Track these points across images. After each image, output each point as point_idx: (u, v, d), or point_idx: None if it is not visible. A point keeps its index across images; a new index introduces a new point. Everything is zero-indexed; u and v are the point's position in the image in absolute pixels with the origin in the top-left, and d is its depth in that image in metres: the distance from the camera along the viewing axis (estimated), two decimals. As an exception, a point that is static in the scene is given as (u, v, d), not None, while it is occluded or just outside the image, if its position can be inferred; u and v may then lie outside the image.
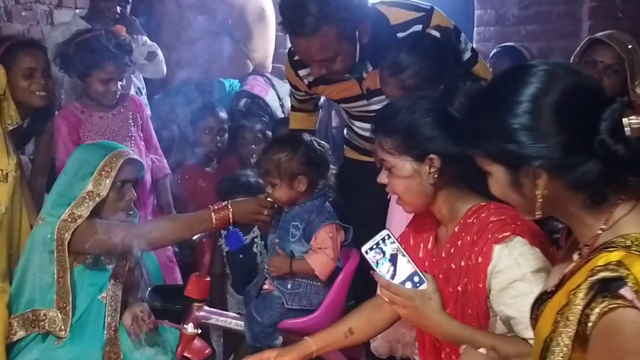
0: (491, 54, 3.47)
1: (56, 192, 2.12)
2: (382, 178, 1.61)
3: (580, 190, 1.10)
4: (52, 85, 2.63)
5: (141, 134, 2.90)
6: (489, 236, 1.46)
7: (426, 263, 1.64)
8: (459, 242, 1.53)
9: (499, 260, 1.44)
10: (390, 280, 1.39)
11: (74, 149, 2.61)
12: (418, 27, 2.19)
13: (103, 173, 2.06)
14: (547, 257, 1.45)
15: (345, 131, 2.68)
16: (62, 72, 2.74)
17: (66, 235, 2.00)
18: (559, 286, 1.13)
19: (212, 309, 2.40)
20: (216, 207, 2.11)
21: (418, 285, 1.39)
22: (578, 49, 2.53)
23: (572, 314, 1.02)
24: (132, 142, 2.81)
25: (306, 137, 2.36)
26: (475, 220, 1.52)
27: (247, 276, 2.69)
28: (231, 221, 2.12)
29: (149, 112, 3.11)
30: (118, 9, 3.20)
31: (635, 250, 1.01)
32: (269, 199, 2.21)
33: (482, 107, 1.19)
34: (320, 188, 2.33)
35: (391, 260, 1.41)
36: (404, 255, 1.41)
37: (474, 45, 4.19)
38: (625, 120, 1.05)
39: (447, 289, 1.51)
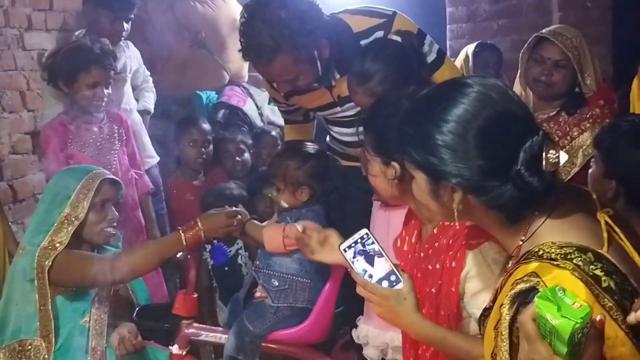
0: (471, 53, 3.50)
1: (35, 221, 2.09)
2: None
3: (495, 210, 1.15)
4: None
5: (125, 149, 2.93)
6: (463, 242, 1.48)
7: (409, 256, 1.67)
8: (436, 244, 1.55)
9: (473, 266, 1.47)
10: (367, 279, 1.39)
11: (62, 159, 2.70)
12: (380, 34, 2.21)
13: (80, 196, 2.05)
14: None
15: (327, 138, 2.69)
16: (50, 84, 2.77)
17: (46, 262, 1.97)
18: (494, 302, 1.16)
19: (201, 325, 2.40)
20: (185, 227, 2.10)
21: (395, 284, 1.38)
22: (526, 45, 2.57)
23: (504, 328, 1.05)
24: (116, 155, 2.85)
25: (318, 149, 2.39)
26: (452, 224, 1.52)
27: (234, 288, 2.69)
28: (203, 238, 2.11)
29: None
30: (125, 26, 3.15)
31: (547, 259, 1.05)
32: (235, 209, 2.23)
33: (413, 115, 1.21)
34: (318, 197, 2.36)
35: (369, 258, 1.40)
36: (381, 254, 1.40)
37: (448, 43, 4.26)
38: (543, 154, 1.09)
39: (425, 289, 1.53)
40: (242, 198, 2.91)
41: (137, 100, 3.41)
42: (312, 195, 2.30)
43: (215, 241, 2.70)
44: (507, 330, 1.04)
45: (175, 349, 2.09)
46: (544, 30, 2.53)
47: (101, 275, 1.97)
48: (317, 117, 2.76)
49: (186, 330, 2.31)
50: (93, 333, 2.00)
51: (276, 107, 4.09)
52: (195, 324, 2.36)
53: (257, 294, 2.37)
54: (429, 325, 1.40)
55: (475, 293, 1.46)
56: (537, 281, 1.02)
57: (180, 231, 2.08)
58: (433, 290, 1.52)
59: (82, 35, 3.13)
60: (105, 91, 2.75)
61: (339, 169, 2.41)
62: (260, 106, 3.93)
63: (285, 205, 2.31)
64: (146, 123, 3.40)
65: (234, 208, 2.22)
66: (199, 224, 2.09)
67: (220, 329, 2.51)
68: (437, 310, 1.51)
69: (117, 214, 2.15)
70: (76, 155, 2.74)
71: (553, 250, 1.05)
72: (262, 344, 2.35)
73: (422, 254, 1.60)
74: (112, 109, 3.07)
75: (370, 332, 2.12)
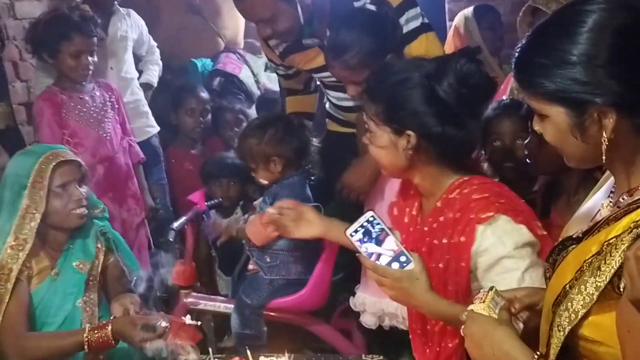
0: (472, 15, 3.44)
1: (3, 213, 1.94)
2: (364, 140, 1.60)
3: None
4: None
5: (117, 118, 2.90)
6: (472, 215, 1.44)
7: (410, 228, 1.63)
8: (442, 218, 1.51)
9: (483, 240, 1.43)
10: (377, 262, 1.36)
11: (57, 130, 2.66)
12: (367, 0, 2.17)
13: (36, 185, 1.91)
14: (533, 232, 1.45)
15: (327, 104, 2.66)
16: (35, 57, 2.76)
17: (14, 266, 1.85)
18: (587, 234, 1.06)
19: (199, 294, 2.41)
20: (94, 327, 1.85)
21: (405, 265, 1.36)
22: (521, 14, 2.51)
23: (607, 265, 0.95)
24: (110, 123, 2.83)
25: (278, 116, 2.38)
26: (458, 197, 1.49)
27: (233, 257, 2.70)
28: (113, 343, 1.82)
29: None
30: None
31: None
32: (157, 322, 1.82)
33: (540, 42, 1.06)
34: (302, 165, 2.33)
35: (376, 241, 1.37)
36: (389, 236, 1.37)
37: (447, 6, 4.17)
38: None
39: (430, 264, 1.49)
40: (242, 167, 2.88)
41: (141, 71, 3.37)
42: (286, 164, 2.28)
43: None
44: (613, 269, 0.94)
45: (188, 319, 2.04)
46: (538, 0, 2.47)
47: (12, 350, 1.84)
48: (318, 86, 2.73)
49: (185, 300, 2.33)
50: (84, 315, 1.95)
51: (273, 75, 4.08)
52: (194, 293, 2.38)
53: (250, 267, 2.38)
54: (444, 304, 1.38)
55: (489, 267, 1.43)
56: None
57: (87, 332, 1.82)
58: (440, 265, 1.49)
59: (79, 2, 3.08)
60: (90, 59, 2.70)
61: (303, 127, 2.38)
62: (256, 73, 3.89)
63: (265, 182, 2.30)
64: (147, 97, 3.34)
65: (162, 323, 1.82)
66: (109, 327, 1.81)
67: (219, 297, 2.52)
68: (445, 286, 1.48)
69: (83, 192, 1.99)
70: (72, 126, 2.72)
71: None
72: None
73: (425, 228, 1.56)
74: (110, 77, 3.04)
75: (367, 299, 2.12)
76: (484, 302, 1.15)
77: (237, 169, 2.87)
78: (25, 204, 1.90)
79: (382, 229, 1.38)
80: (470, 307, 1.16)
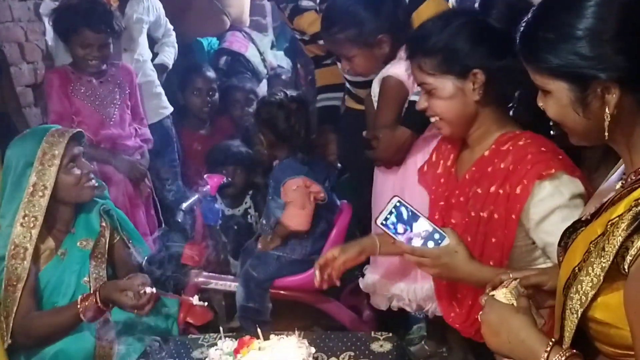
0: None
1: (6, 195, 1.93)
2: (421, 103, 1.56)
3: None
4: None
5: (128, 102, 2.90)
6: (529, 167, 1.43)
7: (442, 180, 1.63)
8: (490, 168, 1.50)
9: (541, 192, 1.41)
10: (413, 245, 1.37)
11: (66, 101, 2.71)
12: None
13: (46, 162, 1.90)
14: (585, 188, 1.44)
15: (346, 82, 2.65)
16: (61, 39, 2.82)
17: (28, 245, 1.85)
18: (595, 215, 1.06)
19: (210, 274, 2.43)
20: (84, 296, 1.86)
21: (440, 241, 1.37)
22: None
23: (610, 245, 0.95)
24: (117, 108, 2.83)
25: (265, 96, 2.49)
26: (511, 148, 1.48)
27: (241, 243, 2.71)
28: (101, 306, 1.82)
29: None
30: None
31: None
32: (140, 286, 1.80)
33: (547, 15, 1.05)
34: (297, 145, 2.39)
35: (408, 224, 1.39)
36: (419, 217, 1.38)
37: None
38: None
39: (470, 213, 1.48)
40: (249, 155, 2.89)
41: (157, 52, 3.36)
42: (269, 143, 2.40)
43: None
44: (615, 249, 0.94)
45: (196, 299, 2.06)
46: None
47: (22, 328, 1.85)
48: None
49: (196, 279, 2.35)
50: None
51: (279, 52, 4.06)
52: (205, 273, 2.39)
53: (259, 246, 2.41)
54: (488, 270, 1.37)
55: (543, 218, 1.42)
56: None
57: (79, 302, 1.84)
58: (483, 214, 1.47)
59: None
60: (99, 53, 2.70)
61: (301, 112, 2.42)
62: (262, 51, 3.87)
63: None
64: (162, 79, 3.32)
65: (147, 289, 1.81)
66: (97, 294, 1.83)
67: (229, 277, 2.54)
68: (487, 238, 1.46)
69: (88, 165, 1.99)
70: (77, 104, 2.75)
71: None
72: (272, 291, 2.38)
73: (467, 177, 1.55)
74: (123, 60, 3.03)
75: (376, 281, 2.12)
76: (506, 287, 1.15)
77: (242, 156, 2.88)
78: (33, 182, 1.90)
79: (412, 212, 1.39)
80: (492, 292, 1.15)
